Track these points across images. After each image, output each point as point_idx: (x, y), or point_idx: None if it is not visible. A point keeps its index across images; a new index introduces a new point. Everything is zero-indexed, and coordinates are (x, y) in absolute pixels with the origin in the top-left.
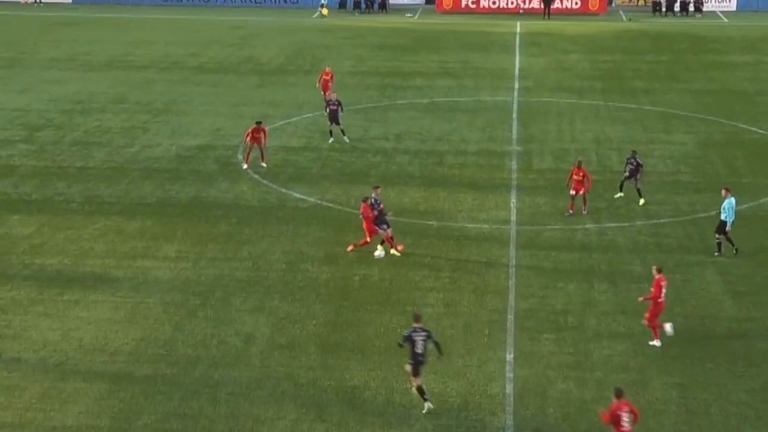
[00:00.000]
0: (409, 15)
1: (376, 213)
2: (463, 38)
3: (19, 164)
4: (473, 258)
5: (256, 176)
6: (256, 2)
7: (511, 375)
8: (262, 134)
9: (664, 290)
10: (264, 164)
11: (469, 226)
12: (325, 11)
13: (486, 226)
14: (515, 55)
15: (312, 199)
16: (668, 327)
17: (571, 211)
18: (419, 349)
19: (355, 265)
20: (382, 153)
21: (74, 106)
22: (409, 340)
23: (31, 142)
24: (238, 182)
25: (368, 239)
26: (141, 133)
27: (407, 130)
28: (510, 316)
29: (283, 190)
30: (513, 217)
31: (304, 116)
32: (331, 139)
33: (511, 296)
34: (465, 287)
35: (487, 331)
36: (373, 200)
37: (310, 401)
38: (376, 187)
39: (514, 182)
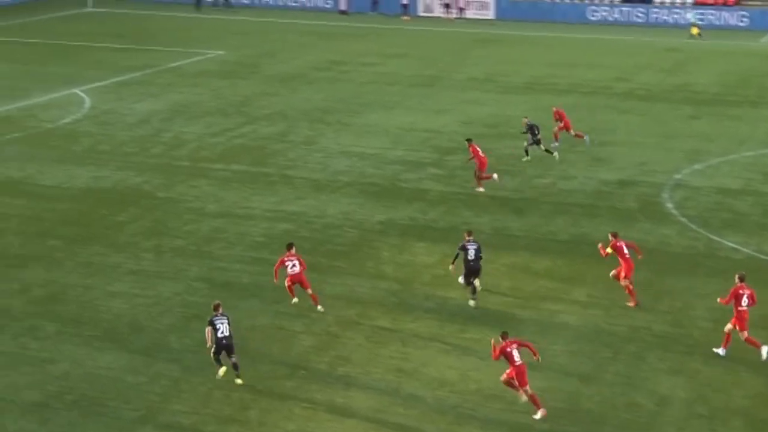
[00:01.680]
0: None
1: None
2: None
3: (428, 189)
4: None
5: (683, 219)
6: (703, 20)
7: None
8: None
9: (744, 299)
10: (480, 189)
11: None
12: (695, 31)
13: None
14: None
15: (747, 250)
16: (764, 350)
17: None
18: (471, 256)
19: None
20: None
21: (488, 129)
22: (463, 248)
23: (441, 166)
24: (662, 224)
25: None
26: (556, 163)
27: None
28: None
29: (714, 238)
30: None
31: (744, 154)
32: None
33: None
34: None
35: None
36: None
37: None
38: None
39: None
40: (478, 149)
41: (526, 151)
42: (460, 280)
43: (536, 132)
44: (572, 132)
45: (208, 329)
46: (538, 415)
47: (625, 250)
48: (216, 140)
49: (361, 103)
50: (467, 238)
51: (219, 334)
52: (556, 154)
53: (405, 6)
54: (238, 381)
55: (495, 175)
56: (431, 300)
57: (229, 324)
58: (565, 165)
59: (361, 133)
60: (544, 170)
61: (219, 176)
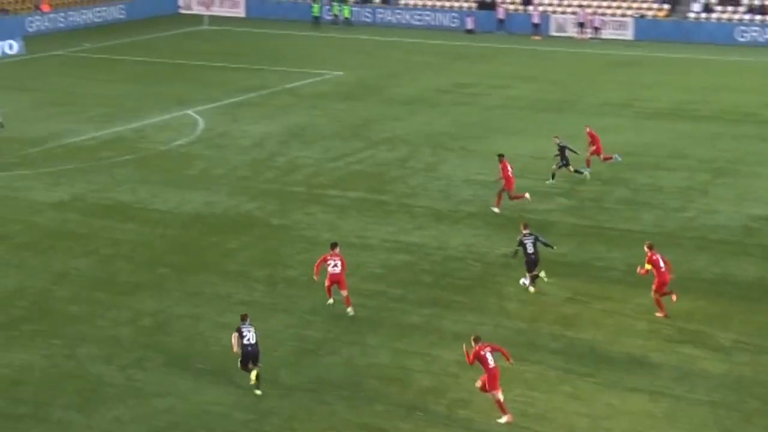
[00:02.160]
0: None
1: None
2: None
3: (557, 221)
4: None
5: None
6: None
7: None
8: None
9: None
10: (496, 209)
11: None
12: None
13: None
14: None
15: None
16: None
17: None
18: (530, 249)
19: None
20: None
21: (624, 158)
22: (521, 243)
23: (572, 196)
24: None
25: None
26: (699, 195)
27: None
28: None
29: None
30: None
31: None
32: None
33: None
34: None
35: None
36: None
37: None
38: None
39: None
40: (509, 168)
41: (553, 175)
42: (523, 281)
43: (566, 153)
44: (602, 156)
45: (235, 335)
46: (503, 419)
47: (661, 264)
48: (333, 165)
49: (487, 128)
50: (524, 231)
51: (245, 341)
52: (587, 173)
53: (536, 25)
54: (258, 392)
55: (527, 195)
56: (559, 340)
57: (255, 333)
58: (708, 198)
59: (486, 159)
60: (685, 203)
61: (335, 203)
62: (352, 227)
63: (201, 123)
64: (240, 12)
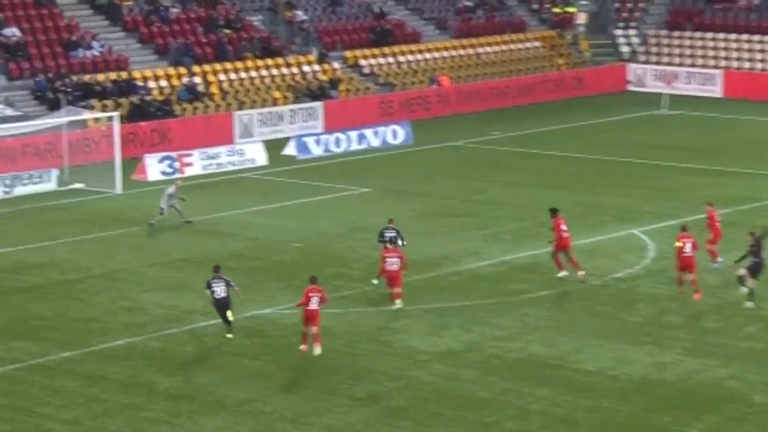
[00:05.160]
0: None
1: None
2: None
3: None
4: None
5: None
6: None
7: None
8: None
9: None
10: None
11: None
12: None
13: None
14: None
15: None
16: None
17: None
18: (764, 255)
19: None
20: None
21: None
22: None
23: None
24: None
25: None
26: None
27: None
28: None
29: None
30: None
31: None
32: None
33: None
34: None
35: None
36: None
37: None
38: None
39: None
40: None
41: None
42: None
43: None
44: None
45: (207, 292)
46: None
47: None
48: None
49: None
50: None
51: (215, 296)
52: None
53: None
54: (229, 336)
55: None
56: None
57: (227, 286)
58: None
59: None
60: None
61: None
62: None
63: (651, 248)
64: (715, 90)
